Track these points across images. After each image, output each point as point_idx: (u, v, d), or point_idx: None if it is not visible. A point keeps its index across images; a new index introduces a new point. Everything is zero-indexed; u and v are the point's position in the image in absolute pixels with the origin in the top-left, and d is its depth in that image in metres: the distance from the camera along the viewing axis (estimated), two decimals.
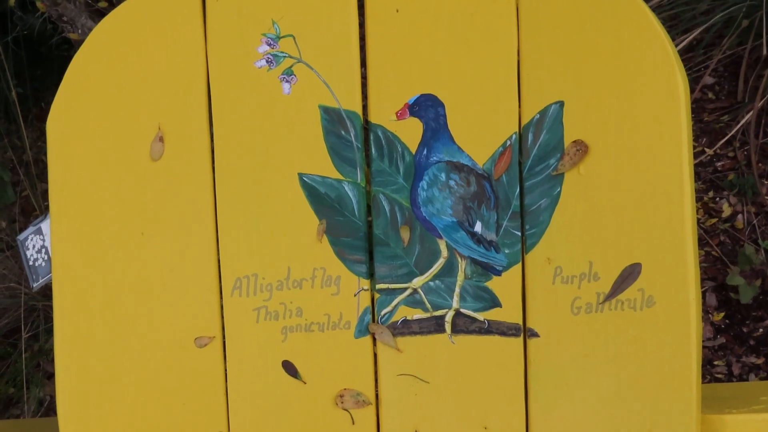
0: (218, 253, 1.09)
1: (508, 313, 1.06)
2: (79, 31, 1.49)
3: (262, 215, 1.08)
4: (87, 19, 1.52)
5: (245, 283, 1.08)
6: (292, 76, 1.08)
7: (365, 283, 1.08)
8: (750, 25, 1.79)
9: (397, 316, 1.08)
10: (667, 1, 1.83)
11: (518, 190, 1.06)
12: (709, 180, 1.86)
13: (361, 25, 1.07)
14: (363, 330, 1.08)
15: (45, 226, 1.14)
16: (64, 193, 1.09)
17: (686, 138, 1.00)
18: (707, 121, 1.90)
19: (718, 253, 1.80)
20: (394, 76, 1.07)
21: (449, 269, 1.07)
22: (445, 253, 1.08)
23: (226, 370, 1.09)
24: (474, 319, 1.07)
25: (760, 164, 1.84)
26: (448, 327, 1.07)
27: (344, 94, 1.07)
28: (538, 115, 1.05)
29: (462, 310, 1.07)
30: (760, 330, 1.73)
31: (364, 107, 1.08)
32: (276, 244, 1.08)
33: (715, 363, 1.72)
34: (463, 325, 1.07)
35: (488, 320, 1.06)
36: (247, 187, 1.08)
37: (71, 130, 1.09)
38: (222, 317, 1.09)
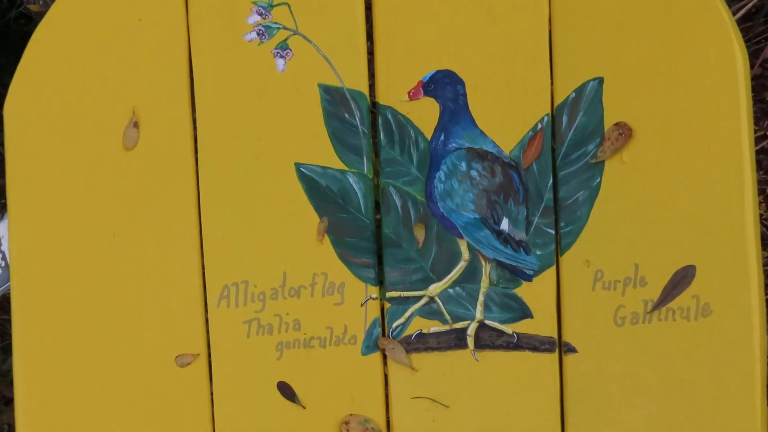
0: (202, 257, 1.07)
1: (540, 324, 1.05)
2: (41, 2, 1.49)
3: (253, 212, 1.06)
4: None
5: (234, 291, 1.06)
6: (287, 50, 1.06)
7: (373, 291, 1.06)
8: None
9: (411, 330, 1.06)
10: None
11: (551, 181, 1.04)
12: None
13: None
14: (371, 346, 1.06)
15: (2, 227, 1.13)
16: (24, 189, 1.08)
17: (746, 120, 1.00)
18: None
19: None
20: (406, 49, 1.05)
21: (471, 274, 1.05)
22: (466, 255, 1.05)
23: (212, 392, 1.07)
24: (501, 332, 1.05)
25: None
26: (470, 341, 1.05)
27: (348, 70, 1.05)
28: (574, 94, 1.03)
29: (487, 322, 1.05)
30: None
31: (371, 86, 1.06)
32: (269, 247, 1.06)
33: None
34: (488, 339, 1.05)
35: (517, 333, 1.05)
36: (236, 179, 1.06)
37: (32, 116, 1.08)
38: (207, 332, 1.07)
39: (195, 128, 1.08)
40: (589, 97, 1.03)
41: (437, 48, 1.05)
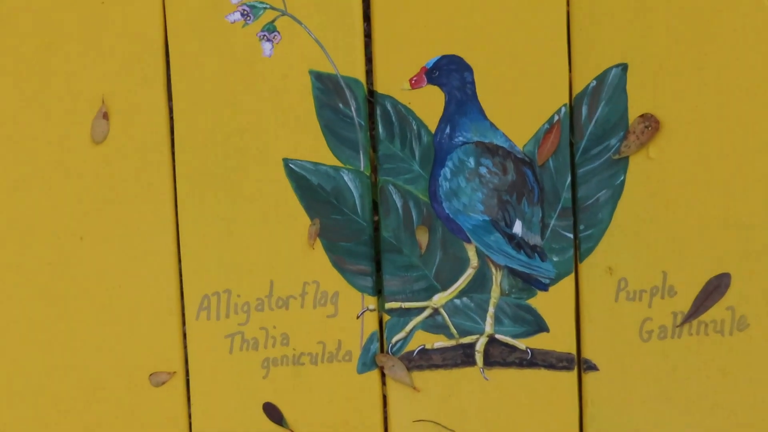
0: (180, 264, 1.03)
1: (557, 339, 1.02)
2: None
3: (237, 214, 1.03)
4: None
5: (215, 302, 1.03)
6: (275, 33, 1.02)
7: (371, 302, 1.03)
8: None
9: (413, 345, 1.04)
10: None
11: (569, 179, 1.02)
12: None
13: None
14: (368, 363, 1.03)
15: None
16: None
17: None
18: None
19: None
20: (408, 31, 1.02)
21: (480, 283, 1.03)
22: (474, 261, 1.02)
23: (190, 415, 1.04)
24: (513, 348, 1.02)
25: None
26: (479, 358, 1.02)
27: (342, 55, 1.02)
28: (595, 82, 1.00)
29: (497, 336, 1.02)
30: None
31: (368, 72, 1.03)
32: (254, 252, 1.03)
33: None
34: (498, 356, 1.02)
35: (532, 349, 1.02)
36: (217, 177, 1.03)
37: None
38: (185, 347, 1.04)
39: (171, 120, 1.04)
40: (611, 86, 1.00)
41: (443, 31, 1.01)
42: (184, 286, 1.04)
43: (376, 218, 1.04)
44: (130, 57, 1.03)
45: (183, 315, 1.04)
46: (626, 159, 1.00)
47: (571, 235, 1.01)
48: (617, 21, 0.99)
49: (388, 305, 1.03)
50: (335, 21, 1.02)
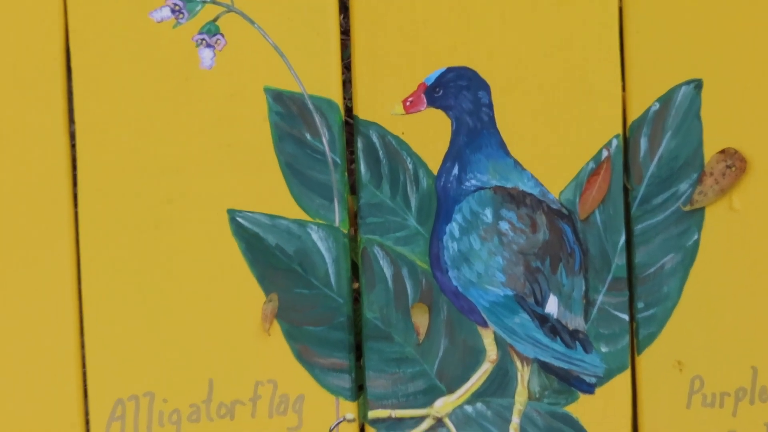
0: (83, 355, 0.92)
1: None
2: None
3: (163, 286, 0.92)
4: None
5: (132, 410, 0.93)
6: (218, 36, 0.92)
7: (349, 409, 0.93)
8: None
9: None
10: None
11: (623, 238, 0.92)
12: None
13: None
14: None
15: None
16: None
17: None
18: None
19: None
20: (400, 34, 0.91)
21: (501, 383, 0.93)
22: (492, 353, 0.92)
23: None
24: None
25: None
26: None
27: (310, 69, 0.92)
28: (657, 105, 0.90)
29: None
30: None
31: (345, 86, 0.93)
32: (188, 340, 0.92)
33: None
34: None
35: None
36: (136, 234, 0.91)
37: None
38: None
39: (74, 154, 0.92)
40: (680, 111, 0.90)
41: (449, 34, 0.92)
42: (89, 388, 0.92)
43: (356, 287, 0.94)
44: (17, 68, 0.92)
45: (87, 427, 0.92)
46: (701, 211, 0.91)
47: (626, 317, 0.92)
48: (686, 25, 0.91)
49: (373, 414, 0.93)
50: (301, 20, 0.92)
